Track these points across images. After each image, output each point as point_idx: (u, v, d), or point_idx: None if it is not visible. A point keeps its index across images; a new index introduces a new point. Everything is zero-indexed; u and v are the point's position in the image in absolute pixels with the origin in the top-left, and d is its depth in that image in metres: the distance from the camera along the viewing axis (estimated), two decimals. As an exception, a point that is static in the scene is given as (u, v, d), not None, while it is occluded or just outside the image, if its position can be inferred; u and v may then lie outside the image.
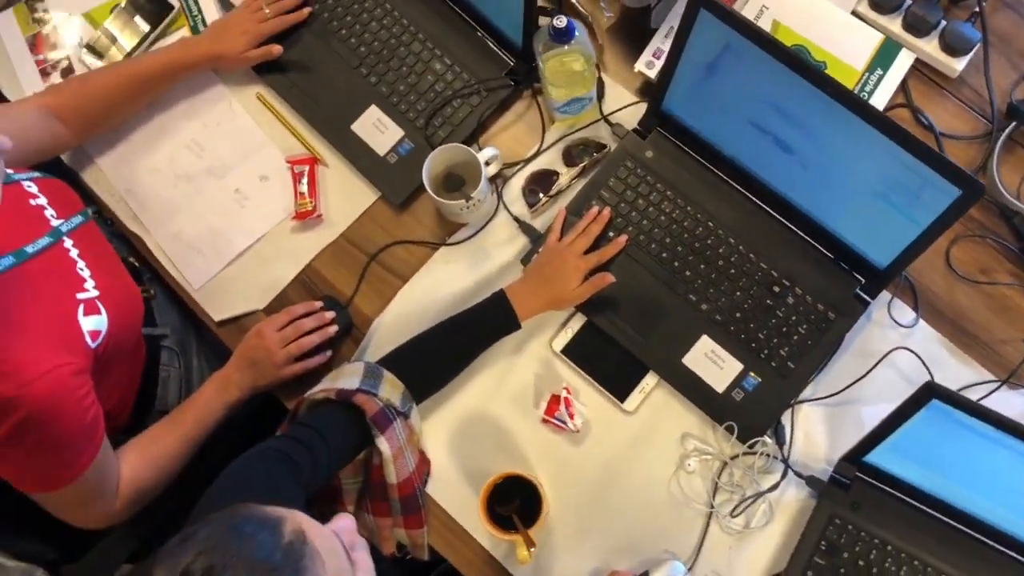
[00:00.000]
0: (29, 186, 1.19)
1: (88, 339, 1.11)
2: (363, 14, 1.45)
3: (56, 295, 1.11)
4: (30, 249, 1.10)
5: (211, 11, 1.49)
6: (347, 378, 1.22)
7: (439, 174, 1.36)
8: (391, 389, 1.22)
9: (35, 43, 1.50)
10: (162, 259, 1.40)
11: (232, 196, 1.42)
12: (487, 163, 1.33)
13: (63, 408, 1.02)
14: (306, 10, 1.45)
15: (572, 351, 1.32)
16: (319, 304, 1.34)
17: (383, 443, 1.19)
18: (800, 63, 1.11)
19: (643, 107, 1.38)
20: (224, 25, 1.41)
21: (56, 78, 1.48)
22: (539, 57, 1.28)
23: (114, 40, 1.48)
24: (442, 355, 1.28)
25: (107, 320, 1.15)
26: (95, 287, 1.16)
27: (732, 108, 1.23)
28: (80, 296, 1.14)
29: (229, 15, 1.43)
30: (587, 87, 1.31)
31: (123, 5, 1.49)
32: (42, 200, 1.18)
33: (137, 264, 1.41)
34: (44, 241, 1.13)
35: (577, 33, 1.20)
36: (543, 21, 1.32)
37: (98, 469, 1.09)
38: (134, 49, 1.47)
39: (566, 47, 1.22)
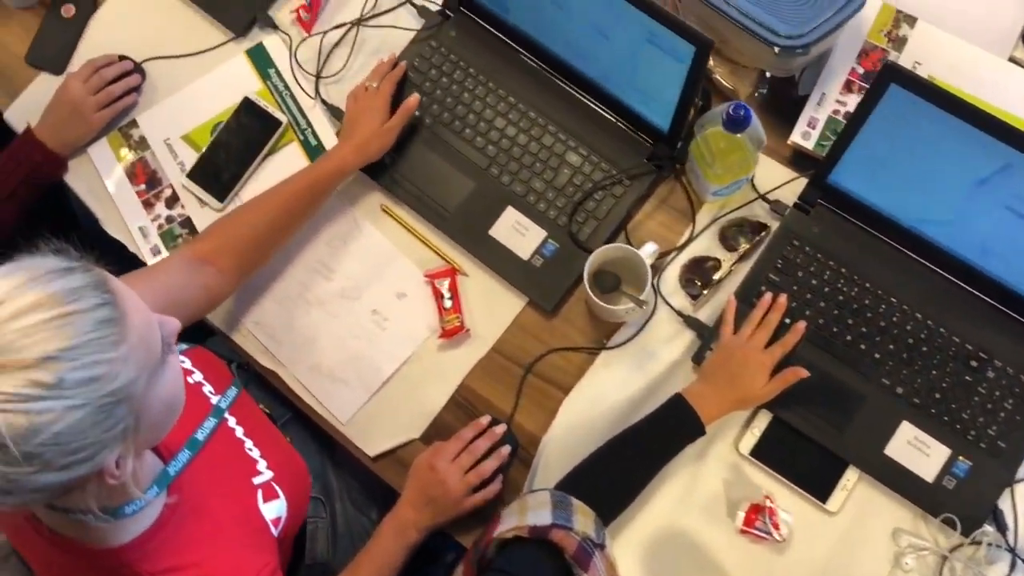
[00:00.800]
0: (183, 361, 1.09)
1: (272, 529, 1.02)
2: (486, 110, 1.36)
3: (236, 486, 1.01)
4: (200, 436, 0.99)
5: (321, 122, 1.40)
6: (535, 511, 1.12)
7: (591, 274, 1.27)
8: (584, 519, 1.13)
9: (134, 172, 1.41)
10: (302, 394, 1.31)
11: (370, 318, 1.32)
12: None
13: None
14: (402, 64, 1.37)
15: (762, 452, 1.23)
16: (486, 420, 1.25)
17: (588, 583, 1.09)
18: (1009, 130, 1.03)
19: (796, 180, 1.30)
20: (349, 121, 1.32)
21: (160, 209, 1.39)
22: (699, 141, 1.20)
23: (218, 166, 1.38)
24: (626, 472, 1.19)
25: (285, 503, 1.05)
26: (268, 467, 1.06)
27: (918, 176, 1.15)
28: (256, 480, 1.04)
29: (346, 117, 1.34)
30: (749, 169, 1.22)
31: (225, 124, 1.40)
32: (198, 375, 1.08)
33: (269, 412, 1.31)
34: (210, 424, 1.02)
35: (754, 119, 1.12)
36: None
37: None
38: (242, 172, 1.38)
39: (738, 135, 1.13)
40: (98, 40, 1.47)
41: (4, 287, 0.70)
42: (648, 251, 1.24)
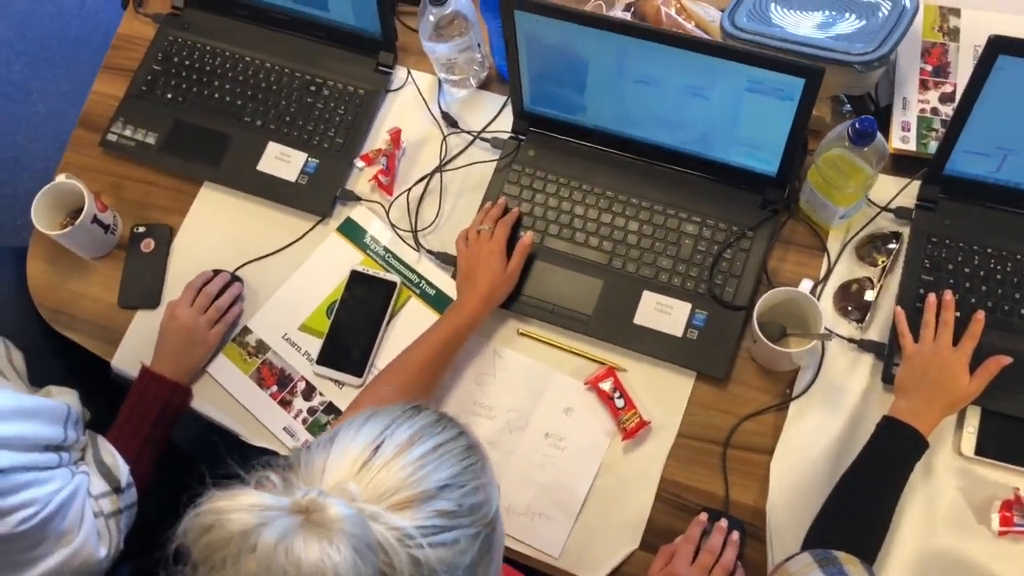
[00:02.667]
0: None
1: None
2: (588, 211, 1.37)
3: None
4: None
5: (432, 271, 1.40)
6: (805, 576, 1.06)
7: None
8: (855, 568, 1.06)
9: (261, 377, 1.37)
10: (508, 543, 1.24)
11: (546, 443, 1.28)
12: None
13: None
14: (516, 210, 1.38)
15: (987, 448, 1.19)
16: (705, 516, 1.20)
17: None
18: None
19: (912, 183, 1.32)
20: (467, 267, 1.32)
21: (299, 404, 1.35)
22: (819, 168, 1.22)
23: (346, 343, 1.36)
24: (869, 508, 1.14)
25: None
26: None
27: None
28: None
29: (461, 262, 1.34)
30: (872, 185, 1.24)
31: (340, 301, 1.38)
32: None
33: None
34: None
35: (877, 131, 1.14)
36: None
37: None
38: (372, 342, 1.36)
39: (865, 149, 1.16)
40: (184, 263, 1.46)
41: (375, 429, 0.70)
42: (807, 287, 1.23)
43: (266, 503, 0.62)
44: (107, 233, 1.46)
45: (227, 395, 1.38)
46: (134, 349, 1.42)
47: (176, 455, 1.69)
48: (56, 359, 1.53)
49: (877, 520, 1.14)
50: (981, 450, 1.19)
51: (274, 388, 1.37)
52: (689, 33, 1.39)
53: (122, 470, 1.31)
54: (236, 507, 0.62)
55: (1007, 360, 1.16)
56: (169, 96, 1.55)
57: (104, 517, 1.29)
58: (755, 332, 1.20)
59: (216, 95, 1.54)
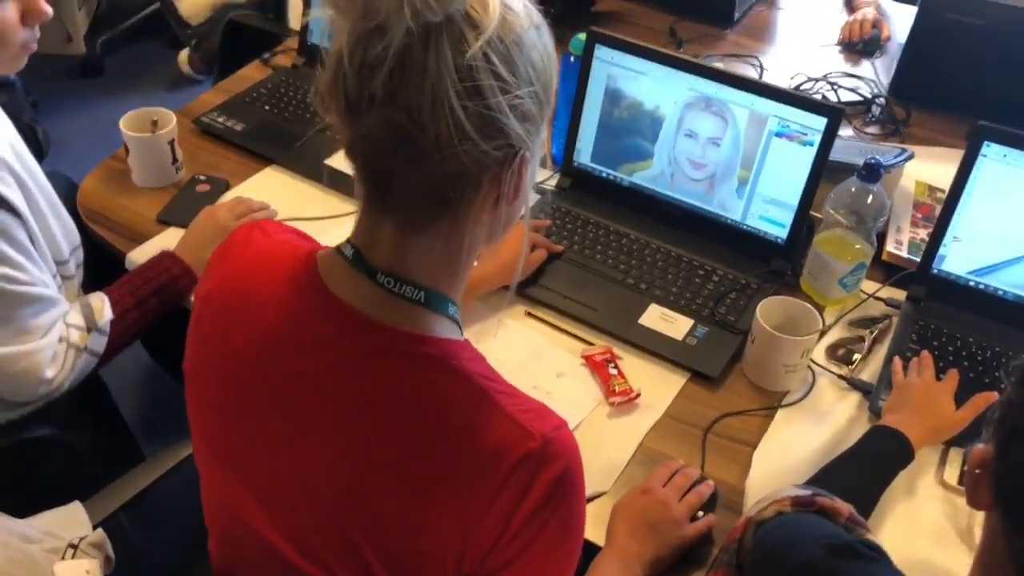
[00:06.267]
0: None
1: None
2: (611, 243, 1.50)
3: None
4: None
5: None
6: (786, 492, 1.02)
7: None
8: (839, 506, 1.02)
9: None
10: (470, 456, 1.17)
11: (531, 393, 1.26)
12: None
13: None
14: (548, 220, 1.53)
15: (970, 481, 1.18)
16: (681, 462, 1.17)
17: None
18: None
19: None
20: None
21: (297, 317, 1.35)
22: (827, 237, 1.38)
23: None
24: (849, 495, 1.10)
25: None
26: None
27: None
28: None
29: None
30: (870, 253, 1.39)
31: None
32: None
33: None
34: None
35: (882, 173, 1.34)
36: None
37: None
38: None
39: (875, 187, 1.34)
40: (232, 207, 1.55)
41: None
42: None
43: None
44: (172, 164, 1.58)
45: (229, 297, 1.38)
46: (154, 251, 1.45)
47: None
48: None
49: (859, 502, 1.10)
50: (964, 481, 1.18)
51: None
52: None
53: (105, 315, 1.30)
54: None
55: (995, 396, 1.20)
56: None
57: (67, 344, 1.25)
58: (757, 323, 1.26)
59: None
